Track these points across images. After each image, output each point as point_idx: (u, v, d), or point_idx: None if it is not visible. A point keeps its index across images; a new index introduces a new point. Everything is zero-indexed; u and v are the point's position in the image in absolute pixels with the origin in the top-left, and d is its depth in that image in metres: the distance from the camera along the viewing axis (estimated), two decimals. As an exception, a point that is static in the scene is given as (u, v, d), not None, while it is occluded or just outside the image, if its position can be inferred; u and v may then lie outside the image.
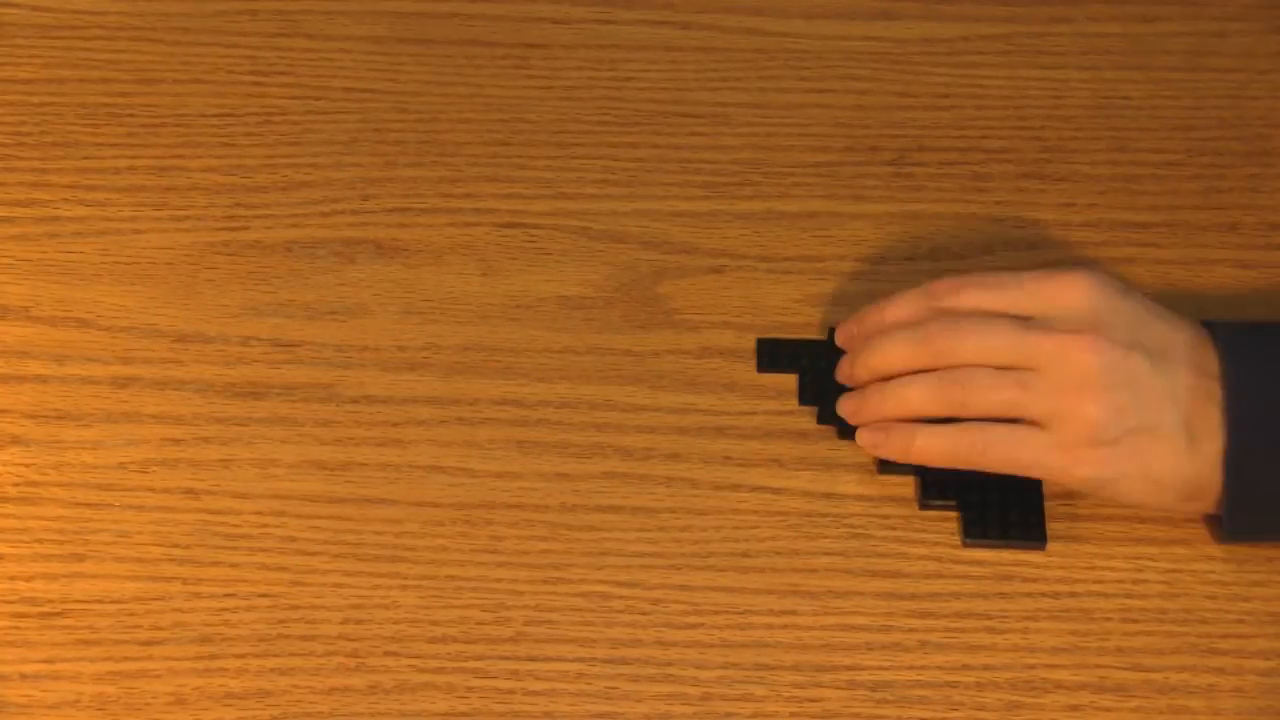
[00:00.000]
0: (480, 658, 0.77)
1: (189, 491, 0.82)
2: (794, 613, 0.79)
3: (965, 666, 0.77)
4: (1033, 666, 0.77)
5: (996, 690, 0.77)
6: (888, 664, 0.77)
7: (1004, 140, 0.94)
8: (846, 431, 0.82)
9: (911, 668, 0.77)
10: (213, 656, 0.77)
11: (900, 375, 0.81)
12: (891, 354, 0.81)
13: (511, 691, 0.77)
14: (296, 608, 0.79)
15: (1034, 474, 0.79)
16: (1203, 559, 0.80)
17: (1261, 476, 0.76)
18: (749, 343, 0.87)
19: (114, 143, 0.94)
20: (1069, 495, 0.82)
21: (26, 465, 0.83)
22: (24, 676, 0.77)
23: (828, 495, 0.82)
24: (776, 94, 0.96)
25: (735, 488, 0.82)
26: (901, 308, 0.82)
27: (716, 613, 0.79)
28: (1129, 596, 0.79)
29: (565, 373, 0.86)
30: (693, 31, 0.99)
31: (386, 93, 0.96)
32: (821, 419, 0.84)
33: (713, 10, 1.00)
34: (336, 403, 0.85)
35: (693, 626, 0.78)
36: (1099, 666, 0.77)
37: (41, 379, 0.85)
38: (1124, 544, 0.81)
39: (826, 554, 0.80)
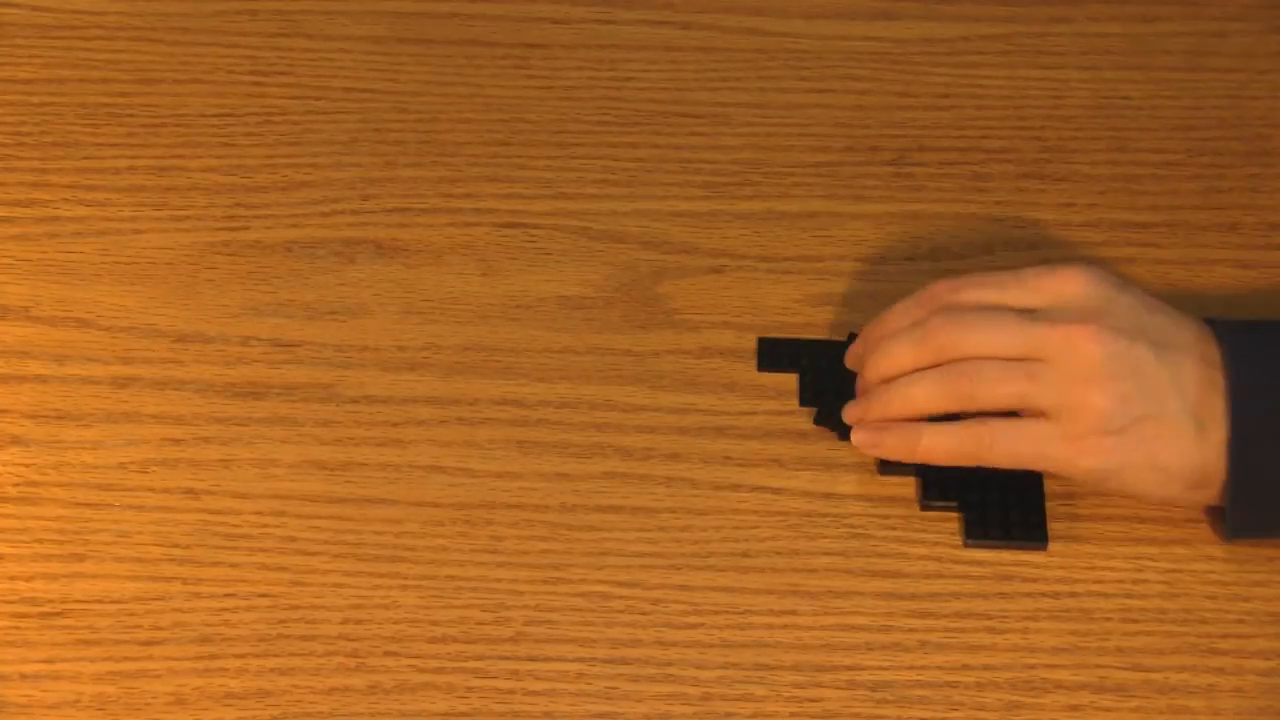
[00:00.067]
0: (480, 658, 0.77)
1: (189, 491, 0.82)
2: (794, 613, 0.79)
3: (965, 666, 0.77)
4: (1033, 666, 0.77)
5: (996, 690, 0.77)
6: (888, 664, 0.77)
7: (1004, 140, 0.94)
8: (847, 433, 0.82)
9: (911, 668, 0.77)
10: (213, 656, 0.77)
11: (896, 374, 0.81)
12: (896, 354, 0.80)
13: (511, 691, 0.77)
14: (296, 608, 0.79)
15: (1040, 467, 0.79)
16: (1203, 559, 0.80)
17: (1265, 464, 0.76)
18: (749, 343, 0.87)
19: (114, 143, 0.94)
20: (1069, 495, 0.82)
21: (26, 465, 0.83)
22: (24, 676, 0.77)
23: (828, 495, 0.82)
24: (776, 94, 0.96)
25: (735, 488, 0.82)
26: (902, 314, 0.81)
27: (716, 613, 0.79)
28: (1129, 596, 0.79)
29: (565, 373, 0.86)
30: (693, 31, 0.99)
31: (386, 93, 0.96)
32: (818, 420, 0.84)
33: (713, 10, 1.00)
34: (336, 403, 0.85)
35: (693, 626, 0.78)
36: (1099, 666, 0.77)
37: (41, 379, 0.85)
38: (1124, 544, 0.81)
39: (826, 554, 0.80)
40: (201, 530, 0.81)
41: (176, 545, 0.80)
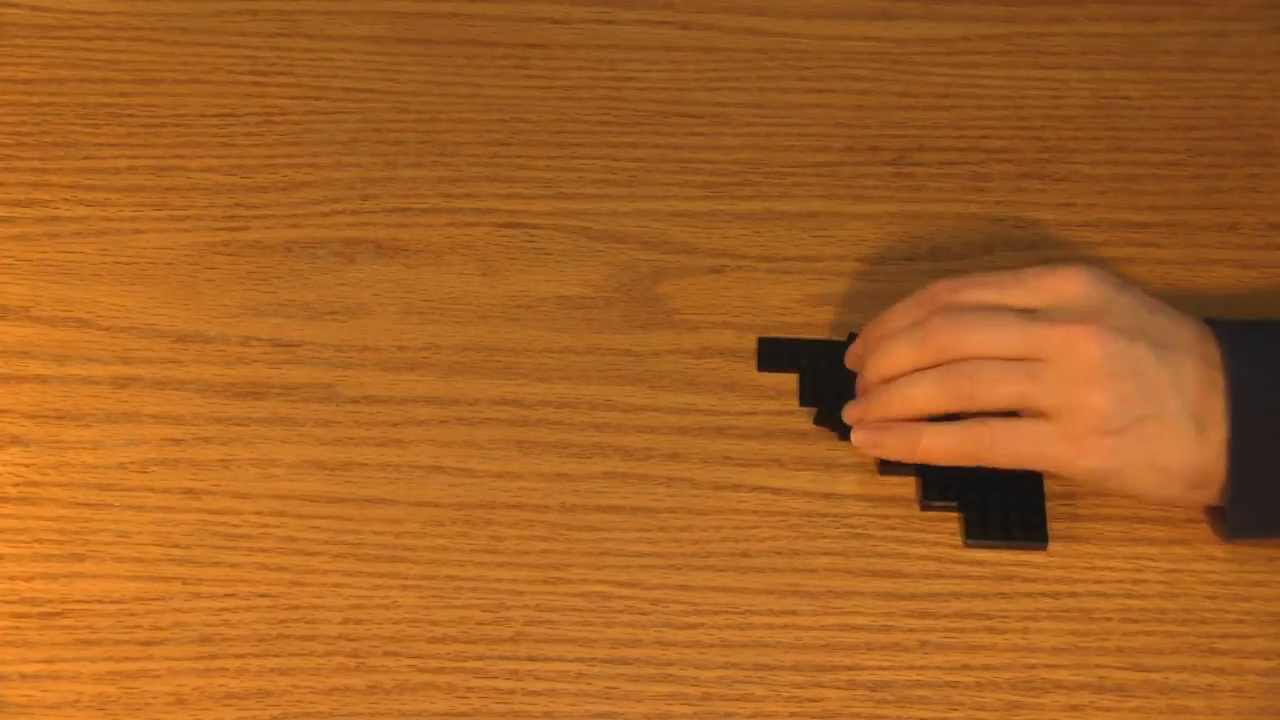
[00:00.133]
0: (480, 658, 0.77)
1: (189, 491, 0.82)
2: (794, 613, 0.79)
3: (965, 666, 0.77)
4: (1033, 666, 0.77)
5: (996, 690, 0.77)
6: (888, 664, 0.77)
7: (1004, 140, 0.94)
8: (847, 432, 0.82)
9: (911, 668, 0.77)
10: (213, 656, 0.77)
11: (897, 374, 0.81)
12: (896, 354, 0.80)
13: (511, 691, 0.77)
14: (296, 608, 0.79)
15: (1040, 467, 0.79)
16: (1203, 559, 0.80)
17: (1265, 464, 0.76)
18: (749, 343, 0.87)
19: (114, 143, 0.94)
20: (1069, 495, 0.82)
21: (26, 465, 0.83)
22: (24, 676, 0.77)
23: (828, 495, 0.82)
24: (776, 94, 0.96)
25: (735, 488, 0.82)
26: (902, 315, 0.81)
27: (716, 613, 0.79)
28: (1129, 596, 0.79)
29: (565, 373, 0.86)
30: (693, 31, 0.99)
31: (386, 93, 0.96)
32: (818, 420, 0.84)
33: (713, 10, 1.00)
34: (336, 403, 0.85)
35: (693, 626, 0.78)
36: (1099, 666, 0.77)
37: (41, 379, 0.85)
38: (1124, 544, 0.81)
39: (826, 554, 0.80)
40: (201, 530, 0.81)
41: (176, 545, 0.80)
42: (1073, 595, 0.79)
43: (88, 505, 0.81)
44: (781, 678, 0.77)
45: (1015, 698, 0.76)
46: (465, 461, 0.83)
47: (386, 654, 0.77)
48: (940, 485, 0.81)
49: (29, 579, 0.79)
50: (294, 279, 0.89)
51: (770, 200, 0.92)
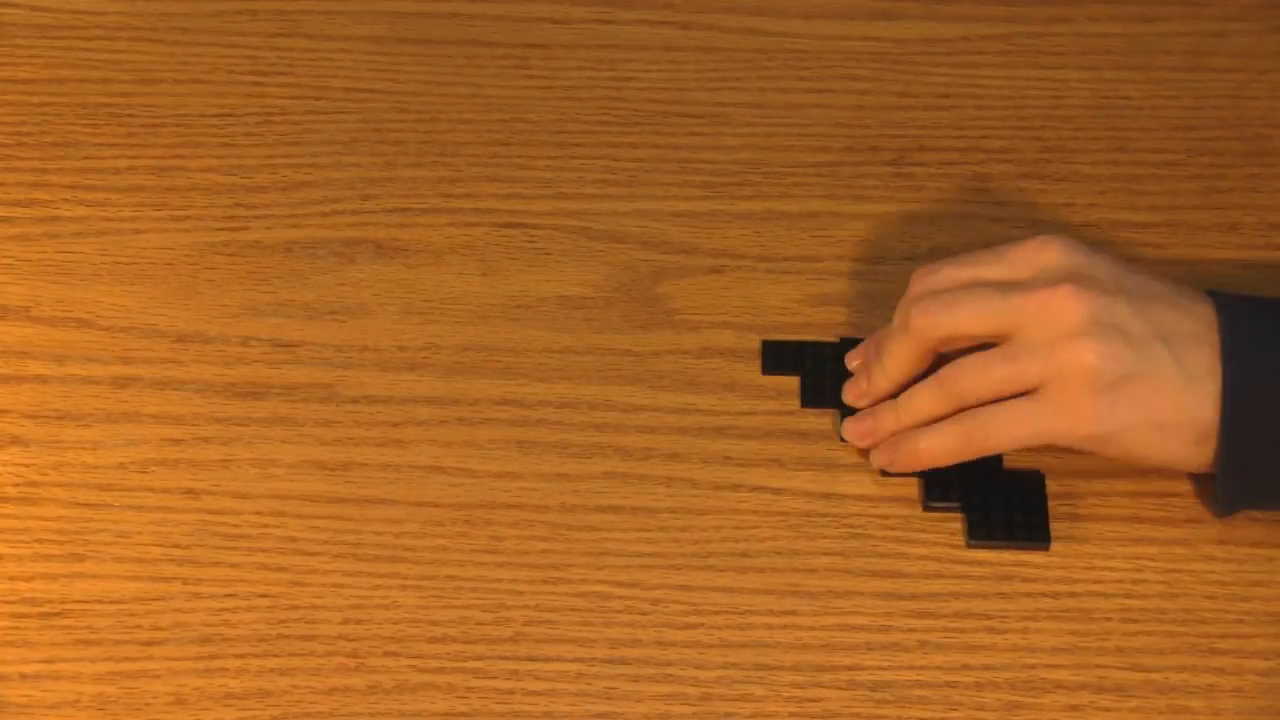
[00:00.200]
0: (480, 658, 0.77)
1: (189, 491, 0.82)
2: (794, 613, 0.79)
3: (965, 666, 0.77)
4: (1032, 666, 0.77)
5: (996, 690, 0.77)
6: (887, 664, 0.77)
7: (1004, 140, 0.94)
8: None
9: (911, 668, 0.77)
10: (213, 656, 0.77)
11: (900, 371, 0.81)
12: (891, 349, 0.81)
13: (511, 691, 0.77)
14: (296, 608, 0.79)
15: (1041, 442, 0.79)
16: (1203, 559, 0.80)
17: (1257, 420, 0.76)
18: (749, 343, 0.87)
19: (114, 143, 0.94)
20: (1070, 495, 0.82)
21: (26, 465, 0.83)
22: (24, 676, 0.77)
23: (828, 495, 0.82)
24: (776, 94, 0.96)
25: (735, 488, 0.82)
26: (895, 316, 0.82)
27: (716, 613, 0.79)
28: (1129, 596, 0.79)
29: (565, 373, 0.86)
30: (693, 31, 0.99)
31: (386, 93, 0.96)
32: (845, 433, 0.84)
33: (713, 10, 1.00)
34: (336, 403, 0.85)
35: (692, 626, 0.78)
36: (1099, 666, 0.77)
37: (41, 379, 0.85)
38: (1124, 544, 0.81)
39: (826, 554, 0.80)
40: (201, 530, 0.81)
41: (176, 545, 0.80)
42: (1073, 595, 0.79)
43: (88, 505, 0.81)
44: (781, 678, 0.77)
45: (1015, 698, 0.76)
46: (465, 461, 0.83)
47: (386, 654, 0.77)
48: (942, 485, 0.81)
49: (29, 579, 0.79)
50: (294, 279, 0.89)
51: (770, 200, 0.92)
